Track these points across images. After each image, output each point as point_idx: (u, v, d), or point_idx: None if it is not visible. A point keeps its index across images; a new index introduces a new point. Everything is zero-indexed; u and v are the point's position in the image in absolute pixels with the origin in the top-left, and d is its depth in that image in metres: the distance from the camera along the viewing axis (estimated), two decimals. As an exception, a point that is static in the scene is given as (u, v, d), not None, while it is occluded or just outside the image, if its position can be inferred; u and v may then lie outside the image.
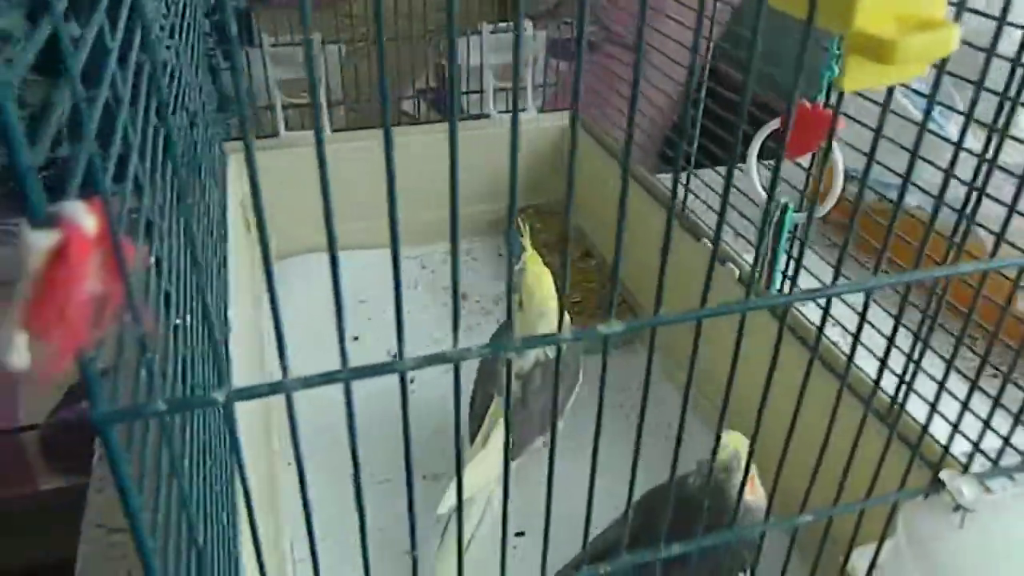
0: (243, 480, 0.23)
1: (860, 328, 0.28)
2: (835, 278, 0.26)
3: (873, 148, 0.27)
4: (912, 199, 0.85)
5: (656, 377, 0.77)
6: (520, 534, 0.64)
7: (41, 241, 0.17)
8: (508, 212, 0.22)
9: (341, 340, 0.22)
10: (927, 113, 0.27)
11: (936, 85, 0.26)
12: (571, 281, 0.87)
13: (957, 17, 0.23)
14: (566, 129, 0.99)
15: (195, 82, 0.69)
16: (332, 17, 1.10)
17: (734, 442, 0.50)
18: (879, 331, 0.37)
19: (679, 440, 0.28)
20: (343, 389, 0.23)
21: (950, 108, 0.59)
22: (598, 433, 0.28)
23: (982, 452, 0.36)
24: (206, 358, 0.41)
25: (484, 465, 0.61)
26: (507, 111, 0.95)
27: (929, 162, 0.45)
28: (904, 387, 0.33)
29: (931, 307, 0.36)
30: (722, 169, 0.77)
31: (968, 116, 0.31)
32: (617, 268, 0.24)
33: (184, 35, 0.64)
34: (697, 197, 0.74)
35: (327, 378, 0.22)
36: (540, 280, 0.62)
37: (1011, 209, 0.31)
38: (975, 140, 0.46)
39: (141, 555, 0.23)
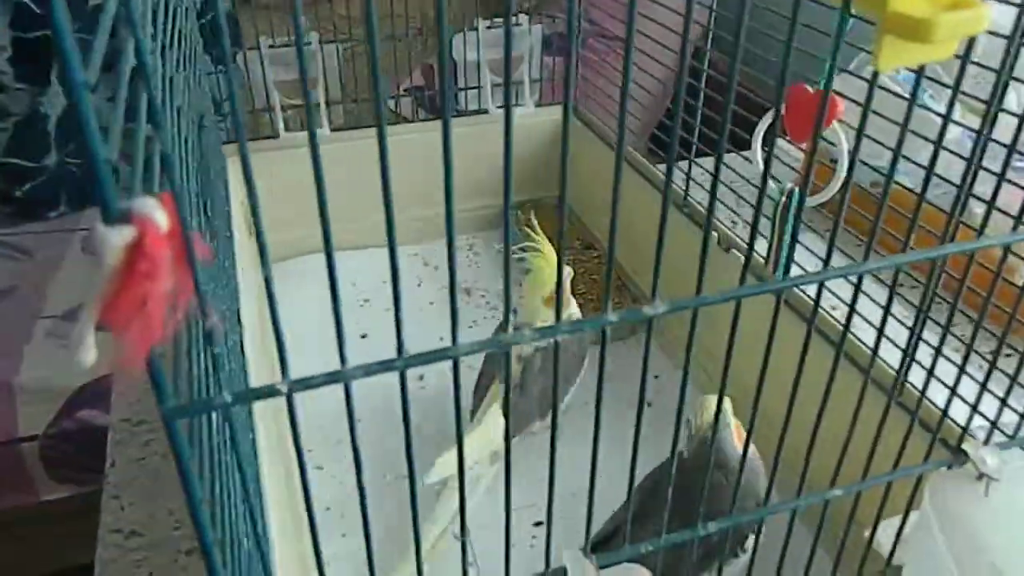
0: (303, 474, 0.24)
1: (884, 320, 0.29)
2: (866, 256, 0.27)
3: (900, 142, 0.27)
4: (910, 180, 0.86)
5: (665, 365, 0.78)
6: (539, 524, 0.64)
7: (116, 237, 0.18)
8: (559, 204, 0.22)
9: (398, 329, 0.23)
10: (950, 106, 0.28)
11: (961, 71, 0.27)
12: (579, 272, 0.88)
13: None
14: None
15: (196, 88, 0.69)
16: (325, 16, 1.10)
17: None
18: (897, 318, 0.37)
19: (720, 401, 0.29)
20: (398, 376, 0.23)
21: (943, 85, 0.60)
22: (641, 406, 0.28)
23: (999, 428, 0.36)
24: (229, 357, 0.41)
25: (475, 442, 0.63)
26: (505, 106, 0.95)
27: (948, 150, 0.46)
28: (925, 373, 0.34)
29: (934, 286, 0.37)
30: (725, 157, 0.78)
31: (992, 102, 0.32)
32: (660, 257, 0.25)
33: (182, 41, 0.64)
34: (700, 186, 0.75)
35: (384, 366, 0.22)
36: (546, 264, 0.66)
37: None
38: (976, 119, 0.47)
39: (203, 547, 0.23)
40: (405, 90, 1.33)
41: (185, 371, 0.24)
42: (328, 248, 0.22)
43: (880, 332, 0.32)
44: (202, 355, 0.34)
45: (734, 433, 0.49)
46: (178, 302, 0.19)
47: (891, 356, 0.40)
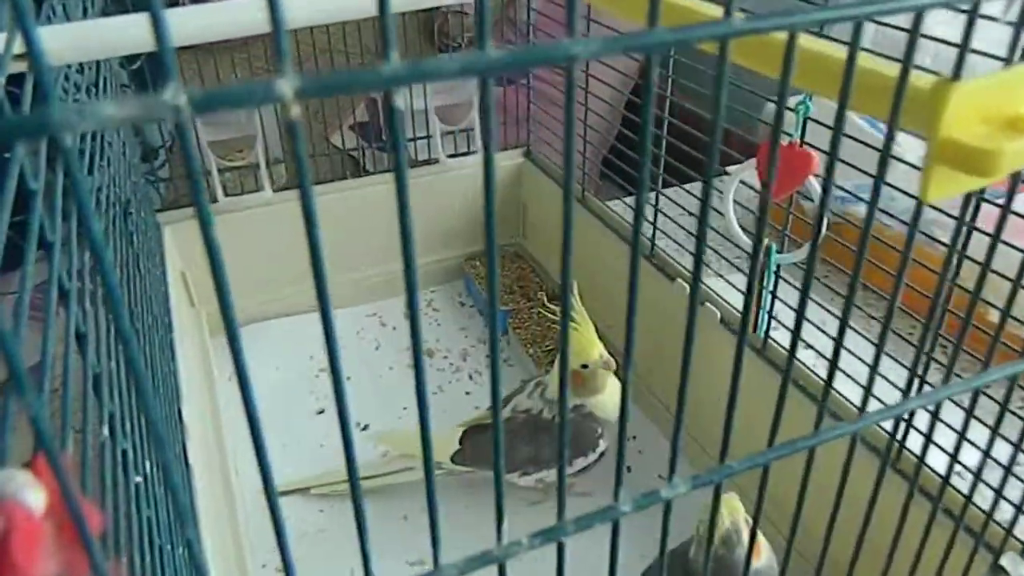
0: None
1: (932, 427, 0.26)
2: (906, 391, 0.23)
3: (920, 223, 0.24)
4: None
5: (642, 421, 0.74)
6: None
7: (-28, 538, 0.13)
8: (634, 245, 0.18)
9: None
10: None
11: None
12: (544, 326, 0.84)
13: None
14: (516, 168, 0.96)
15: (121, 157, 0.64)
16: (258, 55, 1.05)
17: (730, 510, 0.47)
18: (949, 423, 0.34)
19: (714, 513, 0.25)
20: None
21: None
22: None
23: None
24: (169, 509, 0.36)
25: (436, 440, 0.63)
26: (456, 155, 0.91)
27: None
28: (973, 478, 0.30)
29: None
30: (670, 192, 0.75)
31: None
32: (676, 449, 0.20)
33: (103, 94, 0.59)
34: (661, 231, 0.72)
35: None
36: (581, 335, 0.61)
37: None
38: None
39: None
40: (350, 127, 1.28)
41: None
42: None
43: (927, 440, 0.28)
44: (135, 524, 0.29)
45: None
46: (70, 588, 0.15)
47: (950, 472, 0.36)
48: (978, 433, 0.32)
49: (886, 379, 0.26)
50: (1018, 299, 0.29)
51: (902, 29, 0.45)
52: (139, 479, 0.30)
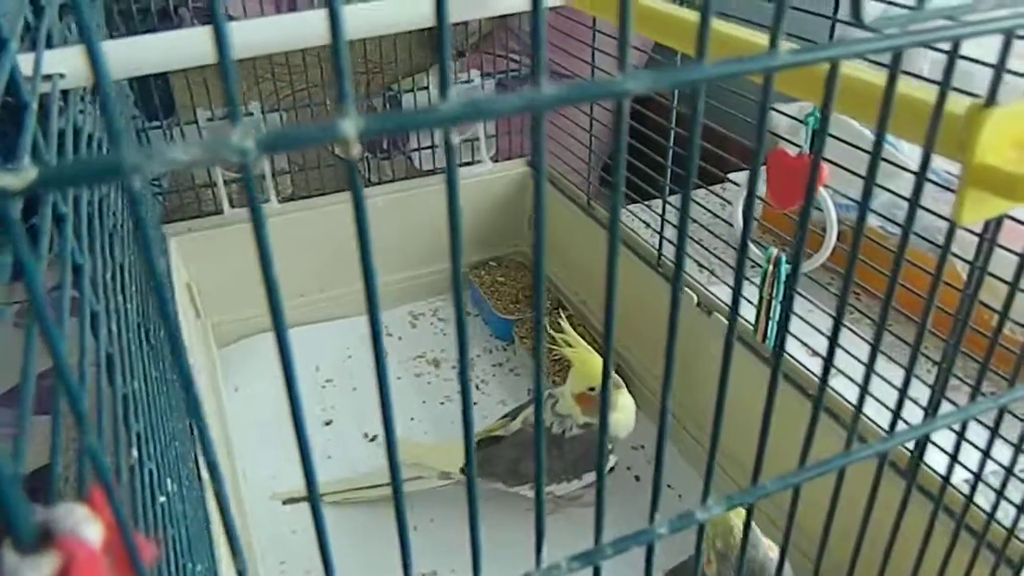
0: None
1: (958, 446, 0.26)
2: (934, 409, 0.24)
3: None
4: (872, 220, 0.85)
5: (651, 430, 0.74)
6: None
7: (33, 575, 0.13)
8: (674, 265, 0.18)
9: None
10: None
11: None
12: (548, 339, 0.84)
13: None
14: (521, 177, 0.96)
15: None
16: (263, 64, 1.05)
17: (740, 519, 0.47)
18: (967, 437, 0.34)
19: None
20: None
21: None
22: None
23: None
24: (187, 528, 0.36)
25: (436, 454, 0.66)
26: (460, 165, 0.91)
27: (922, 202, 0.43)
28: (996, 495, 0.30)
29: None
30: (695, 195, 0.75)
31: None
32: (711, 465, 0.21)
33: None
34: (668, 240, 0.72)
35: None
36: (585, 359, 0.62)
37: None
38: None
39: None
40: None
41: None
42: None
43: (952, 461, 0.28)
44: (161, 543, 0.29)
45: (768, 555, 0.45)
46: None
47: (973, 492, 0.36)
48: (996, 449, 0.32)
49: (912, 400, 0.26)
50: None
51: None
52: (163, 499, 0.30)
